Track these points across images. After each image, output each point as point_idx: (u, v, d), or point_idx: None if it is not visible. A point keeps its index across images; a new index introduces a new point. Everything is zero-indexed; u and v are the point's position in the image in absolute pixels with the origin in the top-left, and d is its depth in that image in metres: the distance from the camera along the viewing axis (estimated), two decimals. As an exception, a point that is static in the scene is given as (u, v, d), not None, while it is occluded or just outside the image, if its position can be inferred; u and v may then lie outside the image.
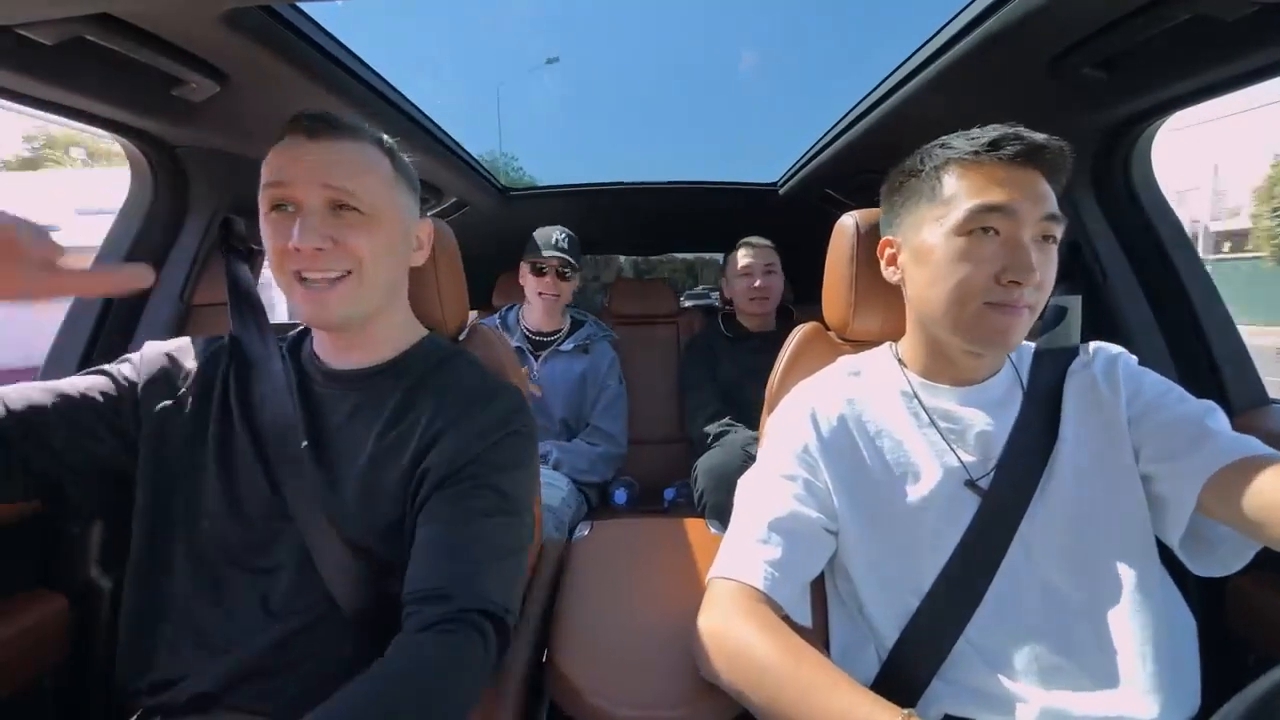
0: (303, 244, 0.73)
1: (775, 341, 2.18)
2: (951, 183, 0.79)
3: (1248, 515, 0.66)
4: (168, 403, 0.82)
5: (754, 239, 2.28)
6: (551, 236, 2.14)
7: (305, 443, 0.79)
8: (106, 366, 0.84)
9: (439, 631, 0.66)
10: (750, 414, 2.11)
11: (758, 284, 2.21)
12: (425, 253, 0.93)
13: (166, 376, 0.84)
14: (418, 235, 0.90)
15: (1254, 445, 0.71)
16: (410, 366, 0.88)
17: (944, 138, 0.83)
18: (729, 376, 2.21)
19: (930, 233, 0.81)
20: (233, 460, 0.80)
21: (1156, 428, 0.77)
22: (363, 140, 0.81)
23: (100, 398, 0.79)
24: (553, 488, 1.84)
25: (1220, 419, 0.76)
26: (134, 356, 0.86)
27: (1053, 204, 0.77)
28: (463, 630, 0.67)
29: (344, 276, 0.77)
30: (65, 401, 0.76)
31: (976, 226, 0.76)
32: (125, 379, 0.83)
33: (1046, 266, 0.77)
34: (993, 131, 0.78)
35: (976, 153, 0.77)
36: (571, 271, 2.15)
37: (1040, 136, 0.76)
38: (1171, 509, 0.74)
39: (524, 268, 2.16)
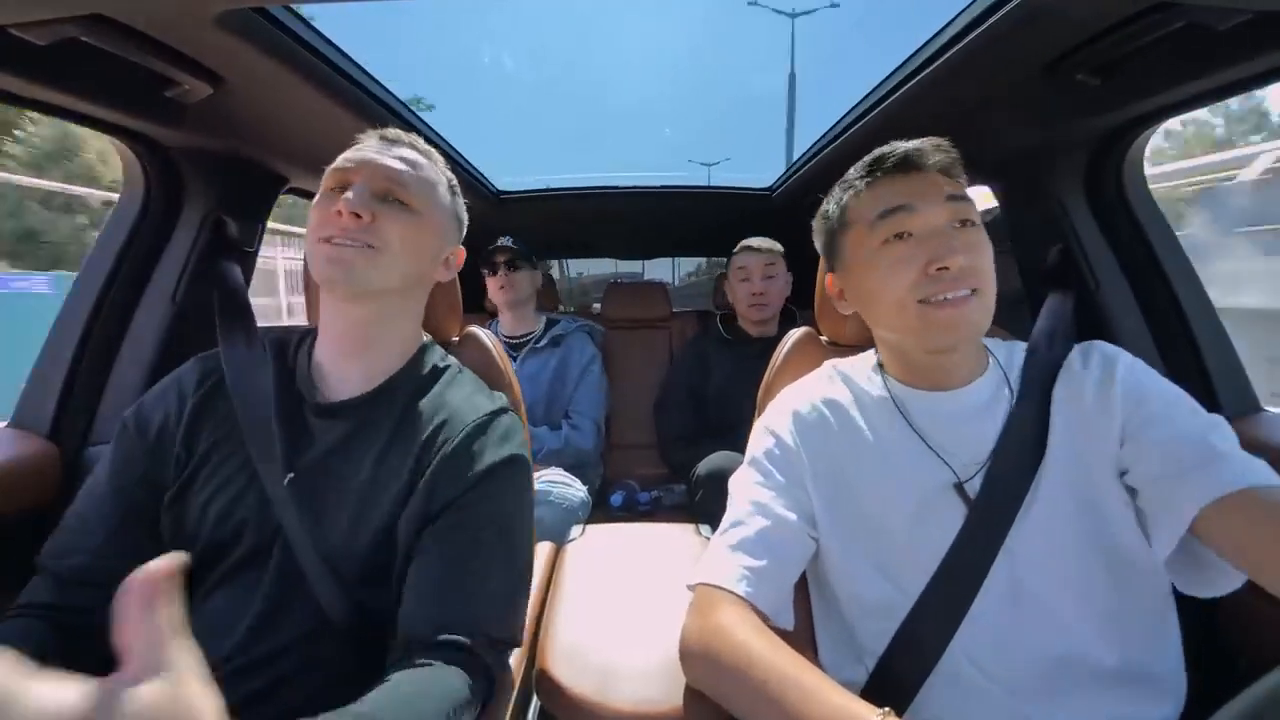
0: (346, 206, 0.77)
1: (775, 347, 2.20)
2: (853, 208, 0.84)
3: (1244, 550, 0.65)
4: (170, 446, 0.81)
5: (755, 241, 2.21)
6: (498, 239, 2.26)
7: (290, 475, 0.78)
8: (110, 474, 0.81)
9: (428, 669, 0.66)
10: (740, 427, 2.11)
11: (756, 289, 2.15)
12: (452, 274, 0.97)
13: (164, 424, 0.82)
14: (448, 256, 0.94)
15: (1263, 473, 0.68)
16: (404, 385, 0.87)
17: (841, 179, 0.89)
18: (720, 385, 2.20)
19: (853, 257, 0.85)
20: (227, 478, 0.79)
21: (1158, 442, 0.74)
22: (432, 160, 0.90)
23: (130, 515, 0.79)
24: (570, 488, 1.85)
25: (1228, 437, 0.73)
26: (128, 425, 0.83)
27: (954, 189, 0.79)
28: (455, 664, 0.67)
29: (368, 248, 0.79)
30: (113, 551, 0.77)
31: (889, 235, 0.78)
32: (135, 463, 0.81)
33: (975, 249, 0.76)
34: (873, 154, 0.83)
35: (862, 176, 0.83)
36: (520, 261, 2.21)
37: (915, 141, 0.80)
38: (1162, 528, 0.71)
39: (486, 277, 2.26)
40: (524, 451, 0.85)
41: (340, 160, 0.83)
